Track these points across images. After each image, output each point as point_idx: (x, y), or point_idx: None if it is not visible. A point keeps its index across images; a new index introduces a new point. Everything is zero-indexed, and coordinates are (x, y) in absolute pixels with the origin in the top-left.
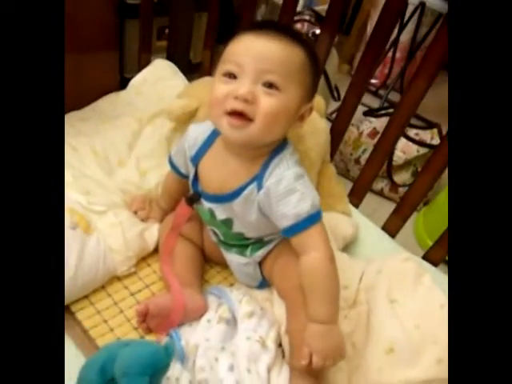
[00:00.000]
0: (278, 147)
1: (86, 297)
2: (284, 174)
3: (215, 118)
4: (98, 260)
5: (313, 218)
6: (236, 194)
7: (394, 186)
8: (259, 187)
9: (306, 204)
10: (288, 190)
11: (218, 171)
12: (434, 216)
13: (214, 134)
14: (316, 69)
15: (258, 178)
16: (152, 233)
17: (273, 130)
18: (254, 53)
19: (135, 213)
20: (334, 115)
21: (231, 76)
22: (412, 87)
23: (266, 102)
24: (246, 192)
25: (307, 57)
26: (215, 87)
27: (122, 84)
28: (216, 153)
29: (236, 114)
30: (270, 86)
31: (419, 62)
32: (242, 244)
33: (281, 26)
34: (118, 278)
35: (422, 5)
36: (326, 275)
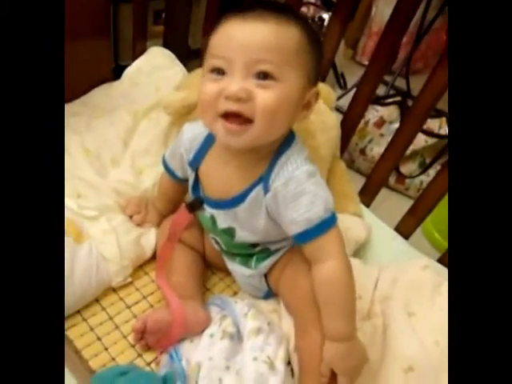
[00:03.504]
0: (284, 143)
1: (77, 312)
2: (293, 174)
3: (208, 123)
4: (91, 271)
5: (326, 223)
6: (241, 198)
7: (401, 177)
8: (266, 189)
9: (318, 208)
10: (298, 191)
11: (220, 174)
12: (443, 209)
13: (213, 135)
14: (316, 47)
15: (264, 180)
16: (149, 238)
17: (276, 127)
18: (239, 42)
19: (130, 217)
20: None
21: (219, 72)
22: (432, 79)
23: (263, 97)
24: (251, 195)
25: (303, 35)
26: (202, 87)
27: (117, 72)
28: (216, 154)
29: (231, 115)
30: (264, 77)
31: (442, 50)
32: (247, 253)
33: (266, 2)
34: (113, 289)
35: None
36: (343, 286)
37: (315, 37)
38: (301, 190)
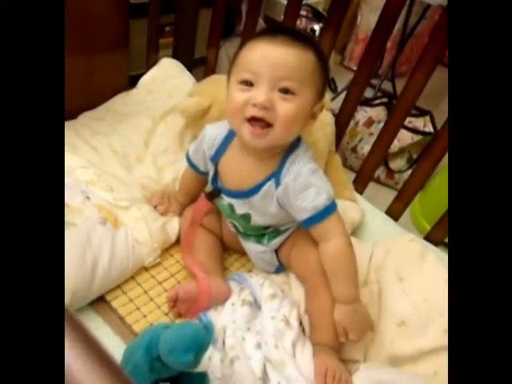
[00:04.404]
0: (292, 145)
1: (118, 286)
2: (300, 170)
3: (236, 126)
4: (128, 252)
5: (329, 209)
6: (255, 190)
7: (390, 172)
8: (277, 184)
9: (322, 197)
10: (305, 185)
11: (237, 169)
12: (429, 200)
13: (231, 134)
14: (325, 69)
15: (276, 175)
16: (173, 225)
17: (292, 132)
18: (270, 61)
19: (155, 207)
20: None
21: (247, 83)
22: (411, 80)
23: (284, 108)
24: (264, 188)
25: (318, 60)
26: (232, 95)
27: (129, 81)
28: (234, 152)
29: (255, 119)
30: (285, 91)
31: (420, 55)
32: (260, 234)
33: (292, 31)
34: (146, 269)
35: None
36: (348, 259)
37: (325, 60)
38: (307, 183)
